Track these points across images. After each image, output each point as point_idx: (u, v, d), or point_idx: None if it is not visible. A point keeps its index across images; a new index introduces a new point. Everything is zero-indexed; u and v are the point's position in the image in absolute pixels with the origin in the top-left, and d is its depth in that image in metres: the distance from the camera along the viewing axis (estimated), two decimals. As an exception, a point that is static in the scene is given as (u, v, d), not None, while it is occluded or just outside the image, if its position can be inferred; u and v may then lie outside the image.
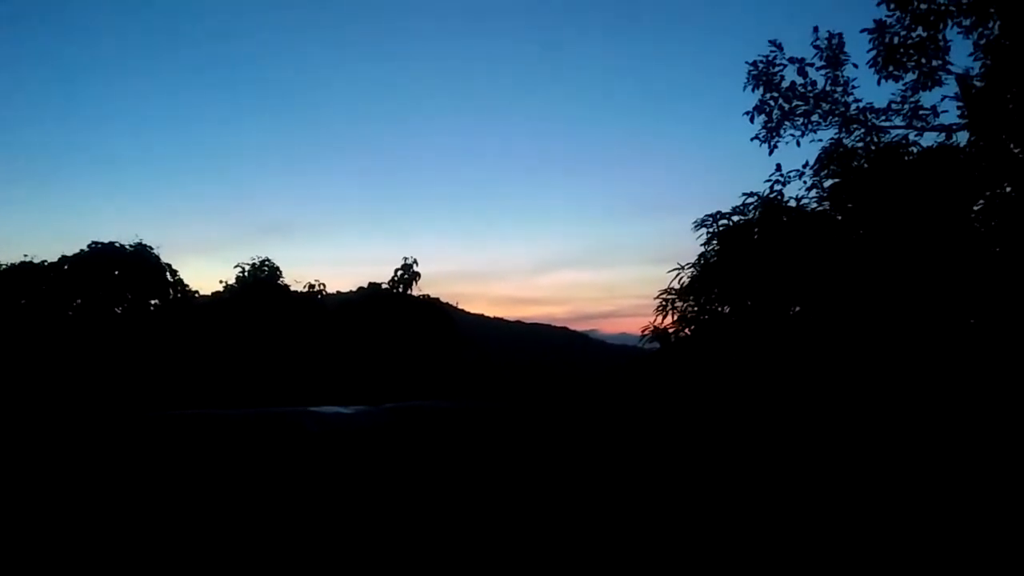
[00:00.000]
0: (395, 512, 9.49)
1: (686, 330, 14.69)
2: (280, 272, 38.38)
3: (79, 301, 33.01)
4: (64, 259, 33.67)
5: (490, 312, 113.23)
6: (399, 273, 40.22)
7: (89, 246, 34.04)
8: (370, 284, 40.89)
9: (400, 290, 40.23)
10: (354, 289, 42.21)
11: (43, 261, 33.43)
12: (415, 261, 40.22)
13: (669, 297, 14.73)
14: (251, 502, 9.53)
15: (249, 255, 38.43)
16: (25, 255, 33.32)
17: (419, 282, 40.18)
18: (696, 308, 14.54)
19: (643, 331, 15.07)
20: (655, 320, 14.88)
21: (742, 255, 14.21)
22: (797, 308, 14.22)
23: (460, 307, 48.93)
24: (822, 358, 12.55)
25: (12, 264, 32.98)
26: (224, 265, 61.78)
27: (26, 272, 32.86)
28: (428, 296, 40.97)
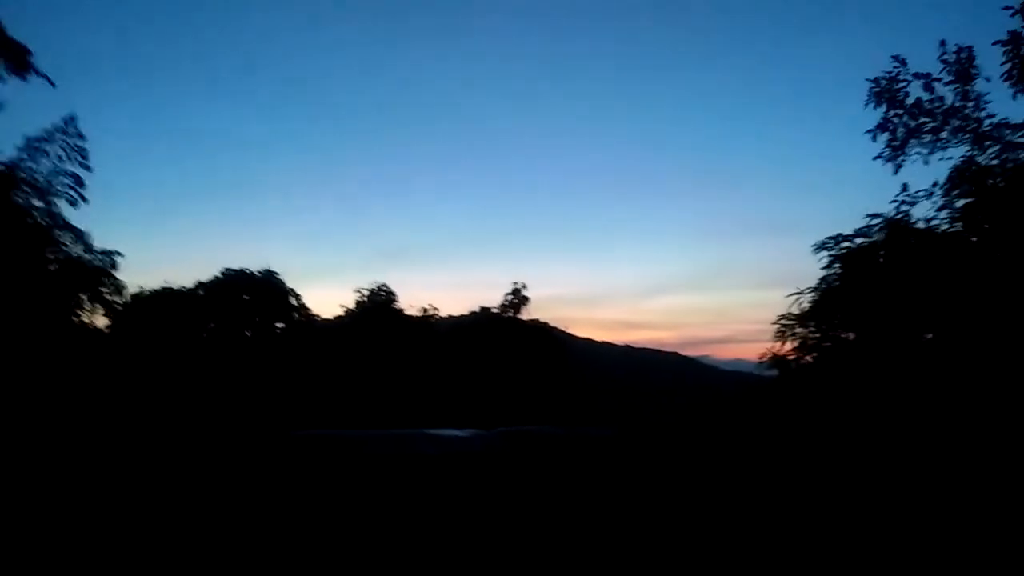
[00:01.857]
0: (509, 535, 9.61)
1: (807, 357, 14.20)
2: (395, 297, 39.81)
3: (212, 325, 35.22)
4: (199, 285, 36.05)
5: (598, 336, 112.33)
6: (509, 298, 41.03)
7: (222, 273, 36.35)
8: (481, 308, 41.85)
9: (510, 314, 40.93)
10: (465, 313, 43.35)
11: (181, 287, 35.91)
12: (524, 286, 41.04)
13: (788, 322, 14.30)
14: (371, 519, 9.89)
15: (366, 279, 40.11)
16: (165, 281, 35.88)
17: (528, 306, 40.90)
18: (818, 334, 14.04)
19: (760, 357, 14.68)
20: (773, 346, 14.48)
21: (867, 279, 13.64)
22: (929, 335, 13.49)
23: (568, 331, 49.08)
24: (959, 389, 11.82)
25: (154, 290, 35.58)
26: (342, 288, 64.50)
27: (166, 297, 35.36)
28: (537, 320, 41.55)
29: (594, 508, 10.97)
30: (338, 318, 39.61)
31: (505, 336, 39.58)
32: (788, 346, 14.39)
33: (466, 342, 39.53)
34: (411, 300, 41.81)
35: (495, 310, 41.11)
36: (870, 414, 12.34)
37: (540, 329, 41.29)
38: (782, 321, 14.44)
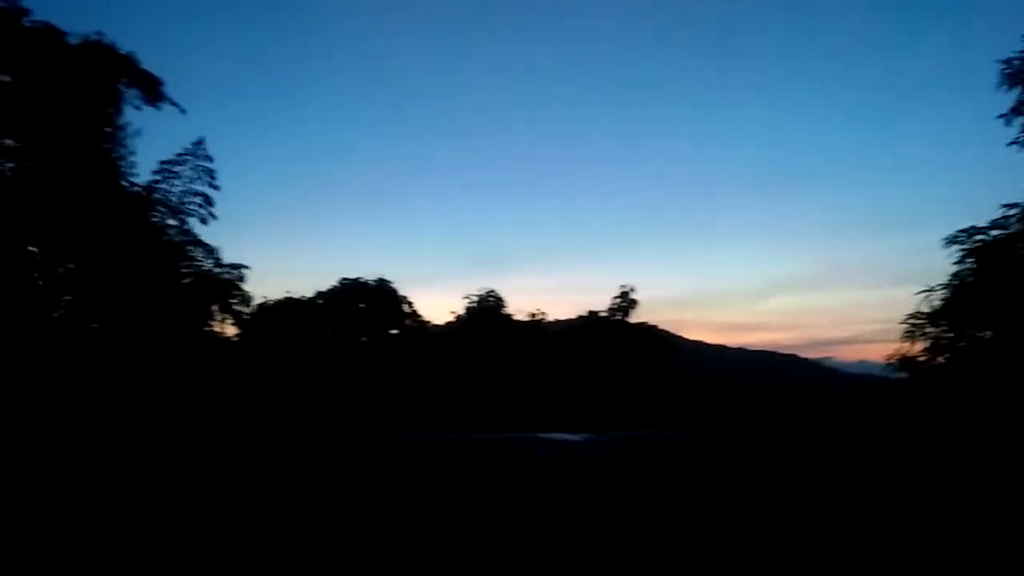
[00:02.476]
0: (628, 540, 9.53)
1: (939, 358, 13.44)
2: (504, 302, 40.33)
3: (331, 332, 36.74)
4: (319, 294, 37.72)
5: (712, 339, 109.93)
6: (617, 301, 40.79)
7: (340, 282, 37.91)
8: (589, 312, 41.77)
9: (618, 318, 40.67)
10: (573, 317, 43.39)
11: (301, 297, 37.69)
12: (632, 288, 40.76)
13: (918, 322, 13.61)
14: (489, 524, 10.03)
15: (472, 284, 40.98)
16: (287, 292, 37.71)
17: (637, 309, 40.58)
18: (951, 334, 13.27)
19: (888, 359, 14.00)
20: (902, 347, 13.82)
21: (1005, 273, 12.76)
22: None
23: (678, 334, 48.39)
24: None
25: (277, 300, 37.46)
26: (449, 293, 65.94)
27: (288, 308, 37.16)
28: (646, 323, 41.09)
29: (712, 514, 10.73)
30: (449, 324, 40.50)
31: (614, 340, 39.34)
32: (918, 347, 13.72)
33: (575, 346, 39.54)
34: (518, 305, 42.25)
35: (603, 314, 40.95)
36: (1012, 418, 11.52)
37: (649, 332, 40.82)
38: (911, 320, 13.79)
